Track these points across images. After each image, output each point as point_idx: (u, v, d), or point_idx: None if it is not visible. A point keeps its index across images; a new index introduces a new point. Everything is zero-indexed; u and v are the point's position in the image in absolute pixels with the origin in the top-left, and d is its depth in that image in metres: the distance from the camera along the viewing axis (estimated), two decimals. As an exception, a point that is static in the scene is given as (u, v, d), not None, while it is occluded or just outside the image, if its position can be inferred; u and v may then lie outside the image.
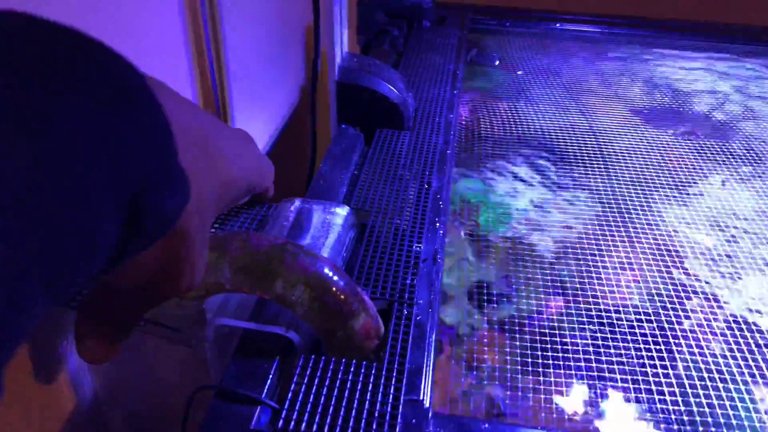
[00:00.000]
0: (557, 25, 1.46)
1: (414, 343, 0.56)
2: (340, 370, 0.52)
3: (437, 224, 0.73)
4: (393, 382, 0.51)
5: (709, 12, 1.66)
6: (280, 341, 0.55)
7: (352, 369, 0.52)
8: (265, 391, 0.51)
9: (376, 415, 0.48)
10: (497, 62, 1.33)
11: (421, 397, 0.51)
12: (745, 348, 0.66)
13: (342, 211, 0.73)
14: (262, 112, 1.21)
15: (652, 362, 0.63)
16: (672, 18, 1.56)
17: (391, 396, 0.50)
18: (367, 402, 0.49)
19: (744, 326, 0.69)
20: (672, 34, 1.49)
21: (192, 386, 0.53)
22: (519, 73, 1.29)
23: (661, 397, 0.59)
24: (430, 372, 0.54)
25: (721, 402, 0.59)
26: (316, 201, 0.74)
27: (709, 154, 1.04)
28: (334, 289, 0.54)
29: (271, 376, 0.52)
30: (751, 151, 1.06)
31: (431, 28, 1.34)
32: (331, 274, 0.54)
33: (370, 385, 0.51)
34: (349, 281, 0.56)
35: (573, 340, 0.66)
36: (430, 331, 0.58)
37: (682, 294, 0.74)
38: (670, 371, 0.62)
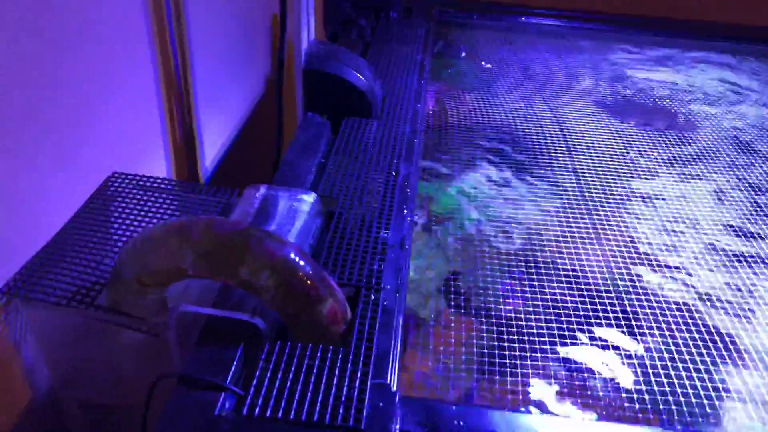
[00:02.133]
0: (522, 18, 1.48)
1: (381, 328, 0.55)
2: (306, 356, 0.51)
3: (405, 211, 0.73)
4: (360, 367, 0.51)
5: (670, 8, 1.70)
6: (245, 327, 0.54)
7: (318, 354, 0.52)
8: (230, 377, 0.50)
9: (343, 399, 0.48)
10: (464, 54, 1.34)
11: (389, 381, 0.51)
12: (694, 329, 0.68)
13: (309, 198, 0.72)
14: (227, 101, 1.18)
15: (615, 336, 0.65)
16: (636, 13, 1.59)
17: (358, 380, 0.50)
18: (334, 387, 0.49)
19: (695, 312, 0.71)
20: (635, 28, 1.52)
21: (154, 374, 0.51)
22: (463, 55, 1.31)
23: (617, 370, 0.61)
24: (398, 356, 0.53)
25: (681, 380, 0.61)
26: (283, 188, 0.73)
27: (668, 144, 1.07)
28: (300, 274, 0.53)
29: (235, 363, 0.51)
30: (708, 141, 1.09)
31: (398, 20, 1.34)
32: (297, 259, 0.54)
33: (337, 369, 0.50)
34: (316, 266, 0.55)
35: (538, 324, 0.67)
36: (397, 316, 0.57)
37: (641, 277, 0.75)
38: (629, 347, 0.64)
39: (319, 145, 0.85)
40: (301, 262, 0.54)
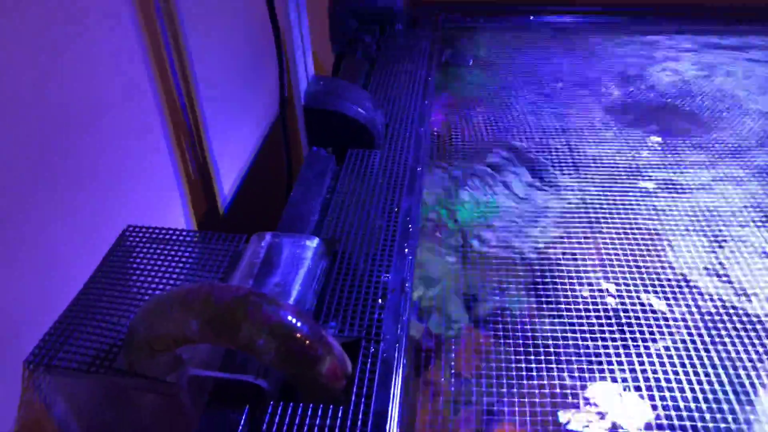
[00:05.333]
0: (531, 17, 1.45)
1: (380, 382, 0.57)
2: (307, 416, 0.54)
3: (406, 250, 0.75)
4: (359, 425, 0.53)
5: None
6: (250, 388, 0.57)
7: (319, 413, 0.54)
8: (236, 440, 0.53)
9: (342, 459, 0.50)
10: (471, 62, 1.33)
11: (386, 438, 0.53)
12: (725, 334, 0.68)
13: (312, 244, 0.75)
14: (235, 134, 1.21)
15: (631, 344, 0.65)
16: (648, 3, 1.54)
17: (357, 439, 0.52)
18: (334, 447, 0.51)
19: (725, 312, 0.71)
20: (649, 18, 1.48)
21: (173, 425, 0.55)
22: (471, 62, 1.31)
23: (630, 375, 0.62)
24: (396, 412, 0.55)
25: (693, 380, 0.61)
26: (287, 234, 0.75)
27: (679, 151, 1.05)
28: (298, 335, 0.55)
29: (241, 426, 0.54)
30: (725, 146, 1.06)
31: (404, 31, 1.33)
32: (294, 320, 0.56)
33: (337, 429, 0.53)
34: (313, 325, 0.57)
35: (554, 335, 0.69)
36: (396, 368, 0.59)
37: (648, 285, 0.75)
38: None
39: (324, 181, 0.87)
40: (299, 324, 0.56)
